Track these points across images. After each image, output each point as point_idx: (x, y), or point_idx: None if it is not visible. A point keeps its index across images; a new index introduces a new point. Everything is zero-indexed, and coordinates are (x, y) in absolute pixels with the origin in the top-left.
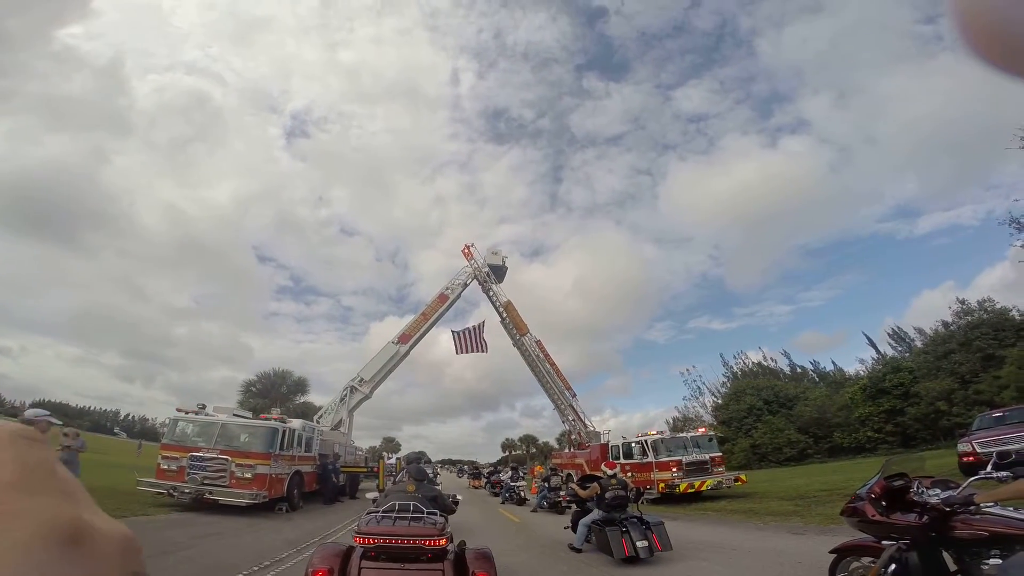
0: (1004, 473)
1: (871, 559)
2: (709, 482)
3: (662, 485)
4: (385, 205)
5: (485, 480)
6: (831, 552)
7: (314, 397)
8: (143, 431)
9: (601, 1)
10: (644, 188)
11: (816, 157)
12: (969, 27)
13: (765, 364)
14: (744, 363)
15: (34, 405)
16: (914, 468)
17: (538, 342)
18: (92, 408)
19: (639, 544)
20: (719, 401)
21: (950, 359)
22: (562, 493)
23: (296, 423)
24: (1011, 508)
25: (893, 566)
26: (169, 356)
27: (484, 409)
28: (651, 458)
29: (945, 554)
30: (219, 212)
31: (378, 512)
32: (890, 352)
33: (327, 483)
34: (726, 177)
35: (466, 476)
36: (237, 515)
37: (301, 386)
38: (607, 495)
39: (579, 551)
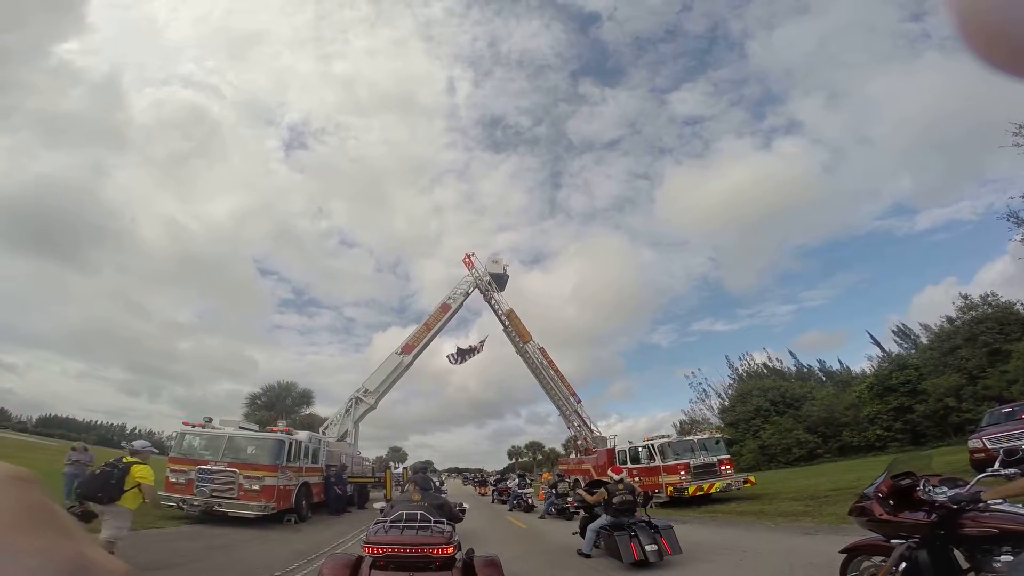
0: (1012, 470)
1: (882, 558)
2: (718, 484)
3: (670, 489)
4: (384, 216)
5: (492, 488)
6: (841, 552)
7: (319, 409)
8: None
9: (594, 7)
10: (642, 192)
11: (810, 157)
12: (968, 26)
13: (770, 365)
14: (749, 364)
15: (41, 420)
16: (921, 466)
17: (541, 349)
18: (98, 422)
19: (648, 548)
20: (726, 403)
21: (956, 355)
22: (569, 499)
23: (302, 435)
24: (1020, 505)
25: (904, 565)
26: (174, 370)
27: (489, 417)
28: (659, 462)
29: (956, 552)
30: (219, 226)
31: (386, 522)
32: (896, 349)
33: (334, 494)
34: (723, 179)
35: (470, 484)
36: (246, 527)
37: (306, 398)
38: (614, 500)
39: (588, 556)
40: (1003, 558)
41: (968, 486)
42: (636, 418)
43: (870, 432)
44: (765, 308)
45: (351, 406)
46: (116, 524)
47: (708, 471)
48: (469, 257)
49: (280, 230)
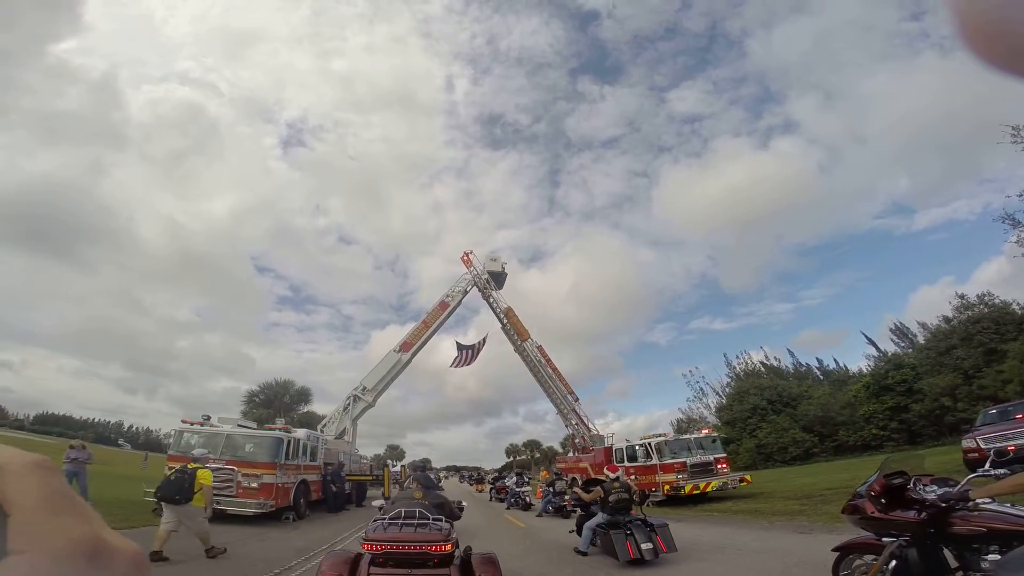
0: (1001, 470)
1: (873, 556)
2: (714, 483)
3: (667, 487)
4: (383, 213)
5: (490, 486)
6: (834, 550)
7: (317, 406)
8: (147, 442)
9: (593, 5)
10: (641, 190)
11: (807, 157)
12: (967, 26)
13: (768, 363)
14: (747, 363)
15: (38, 418)
16: (913, 466)
17: (540, 347)
18: (96, 420)
19: (644, 546)
20: (723, 401)
21: (952, 355)
22: (567, 497)
23: (301, 433)
24: (1008, 504)
25: (894, 562)
26: (171, 368)
27: (487, 415)
28: (655, 460)
29: (946, 551)
30: (217, 224)
31: (385, 519)
32: (893, 348)
33: (332, 491)
34: (720, 178)
35: (467, 482)
36: (244, 524)
37: (304, 396)
38: (610, 498)
39: (584, 554)
40: (991, 557)
41: (958, 486)
42: (634, 416)
43: (866, 431)
44: (763, 307)
45: (349, 404)
46: (191, 517)
47: (704, 470)
48: (468, 255)
49: (278, 228)
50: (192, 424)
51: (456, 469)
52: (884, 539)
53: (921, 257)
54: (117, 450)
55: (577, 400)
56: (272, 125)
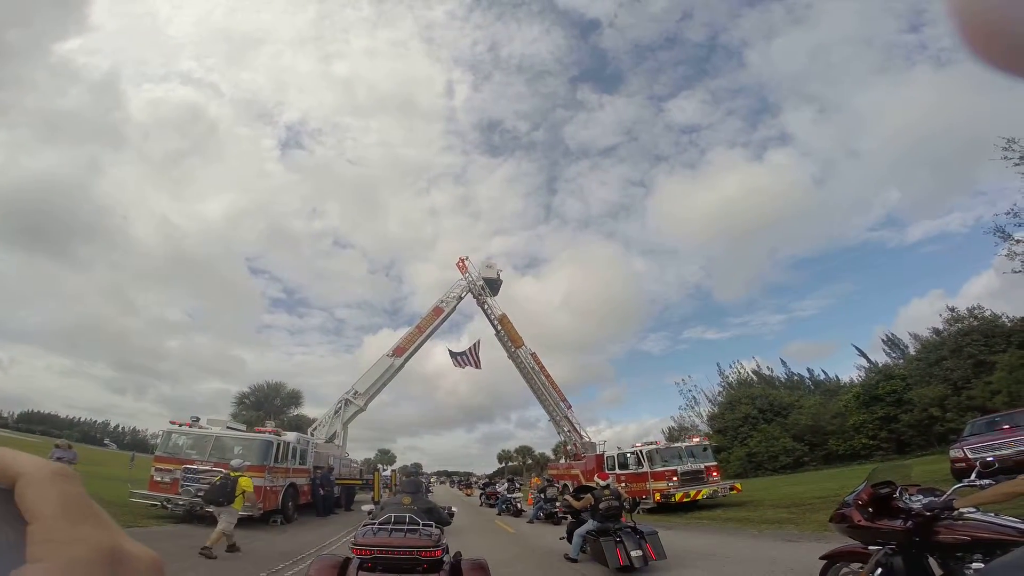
0: (987, 481)
1: (860, 565)
2: (705, 491)
3: (658, 495)
4: (379, 217)
5: (480, 491)
6: (821, 558)
7: (308, 410)
8: (134, 442)
9: (595, 14)
10: (637, 200)
11: (800, 169)
12: (968, 26)
13: (760, 373)
14: (739, 372)
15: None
16: (901, 476)
17: (533, 354)
18: (81, 419)
19: (633, 554)
20: (715, 410)
21: (942, 366)
22: (558, 504)
23: (290, 436)
24: (993, 513)
25: (880, 570)
26: (161, 368)
27: (479, 421)
28: (646, 468)
29: (931, 559)
30: (211, 225)
31: (375, 524)
32: (884, 359)
33: (321, 495)
34: (716, 189)
35: (456, 487)
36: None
37: (295, 398)
38: (601, 506)
39: (575, 561)
40: (975, 565)
41: (944, 496)
42: (625, 424)
43: (856, 441)
44: (756, 317)
45: (340, 407)
46: (228, 519)
47: (695, 478)
48: (463, 261)
49: (273, 230)
50: (180, 425)
51: (447, 474)
52: (870, 548)
53: (913, 270)
54: (103, 450)
55: (570, 407)
56: (271, 127)
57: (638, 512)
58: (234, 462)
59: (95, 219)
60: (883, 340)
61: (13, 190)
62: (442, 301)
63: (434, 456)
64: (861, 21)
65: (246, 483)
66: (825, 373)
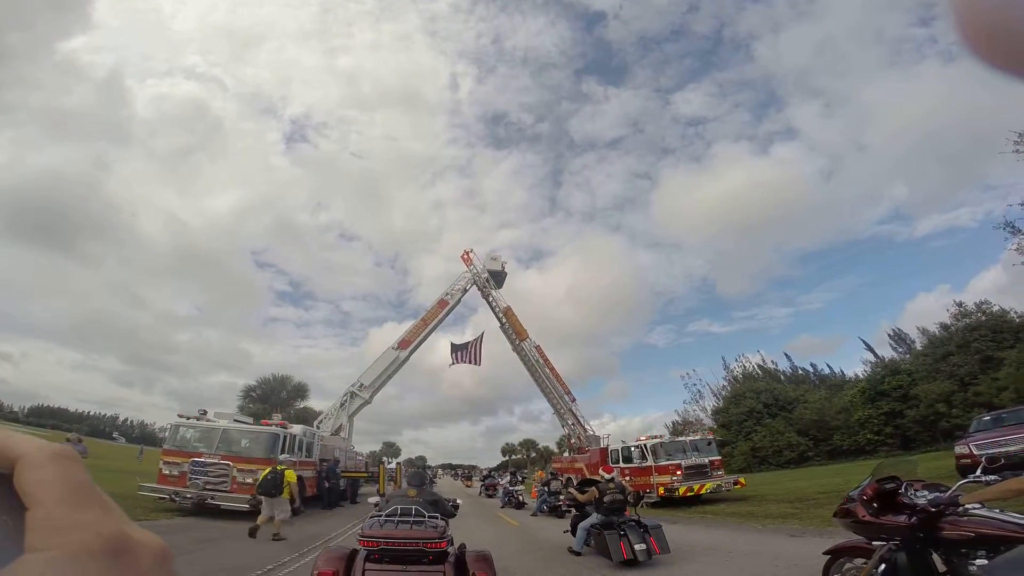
0: (992, 476)
1: (864, 560)
2: (708, 485)
3: (662, 489)
4: (384, 210)
5: (480, 483)
6: (825, 553)
7: (314, 402)
8: (142, 436)
9: (600, 5)
10: (643, 192)
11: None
12: (969, 27)
13: (765, 367)
14: (744, 366)
15: (33, 410)
16: (905, 471)
17: (538, 347)
18: (90, 413)
19: (637, 547)
20: (719, 404)
21: (948, 361)
22: (562, 497)
23: (297, 429)
24: (997, 510)
25: (884, 566)
26: (169, 362)
27: (483, 414)
28: (650, 462)
29: (935, 555)
30: (218, 219)
31: (381, 516)
32: (890, 354)
33: (327, 488)
34: (722, 182)
35: (459, 479)
36: (238, 520)
37: (301, 391)
38: (605, 499)
39: (579, 554)
40: (979, 562)
41: (949, 491)
42: (630, 418)
43: (860, 436)
44: (762, 311)
45: (346, 400)
46: (283, 508)
47: (699, 472)
48: (468, 253)
49: (279, 223)
50: (188, 419)
51: (452, 467)
52: (874, 543)
53: (920, 264)
54: (111, 443)
55: (574, 400)
56: (276, 121)
57: (642, 506)
58: (282, 457)
59: (104, 215)
60: (889, 335)
61: (23, 188)
62: (447, 294)
63: (439, 449)
64: (870, 14)
65: (291, 476)
66: (831, 367)
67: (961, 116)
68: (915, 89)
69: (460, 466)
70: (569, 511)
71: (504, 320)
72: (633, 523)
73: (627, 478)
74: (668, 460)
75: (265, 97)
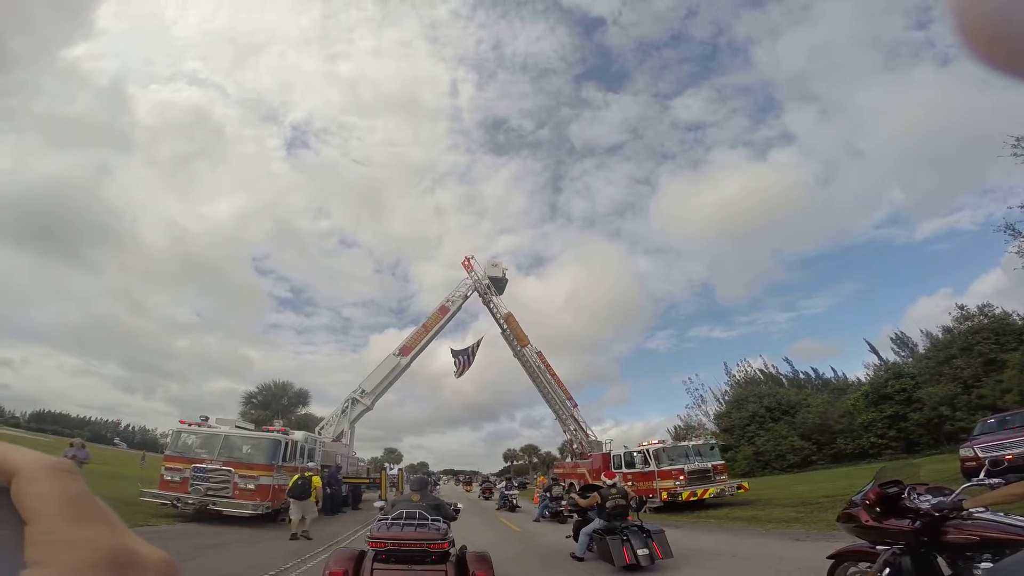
0: (996, 480)
1: (868, 564)
2: (712, 490)
3: (665, 494)
4: (385, 217)
5: (479, 487)
6: (829, 557)
7: (315, 408)
8: (143, 441)
9: (599, 11)
10: (643, 198)
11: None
12: (968, 28)
13: (767, 371)
14: (746, 371)
15: (34, 416)
16: (908, 475)
17: (539, 353)
18: (92, 418)
19: (640, 552)
20: (722, 409)
21: (952, 364)
22: (563, 503)
23: (298, 435)
24: (1002, 513)
25: (888, 570)
26: (170, 368)
27: (484, 420)
28: (653, 467)
29: (939, 559)
30: (219, 225)
31: (387, 519)
32: (893, 357)
33: (328, 494)
34: (721, 188)
35: (460, 484)
36: (240, 526)
37: (302, 398)
38: (607, 504)
39: (581, 560)
40: (983, 566)
41: (953, 495)
42: (632, 423)
43: (864, 440)
44: (764, 315)
45: (347, 407)
46: (310, 510)
47: (702, 477)
48: (468, 260)
49: (280, 230)
50: (190, 425)
51: (453, 473)
52: (878, 547)
53: (920, 268)
54: (113, 449)
55: (576, 406)
56: (277, 127)
57: (645, 511)
58: (310, 464)
59: (105, 221)
60: (892, 338)
61: (25, 193)
62: (448, 300)
63: (440, 455)
64: (866, 18)
65: (317, 481)
66: (835, 370)
67: (959, 119)
68: (912, 93)
69: (461, 472)
70: (571, 516)
71: (505, 326)
72: (636, 528)
73: (630, 483)
74: (671, 465)
75: (266, 103)
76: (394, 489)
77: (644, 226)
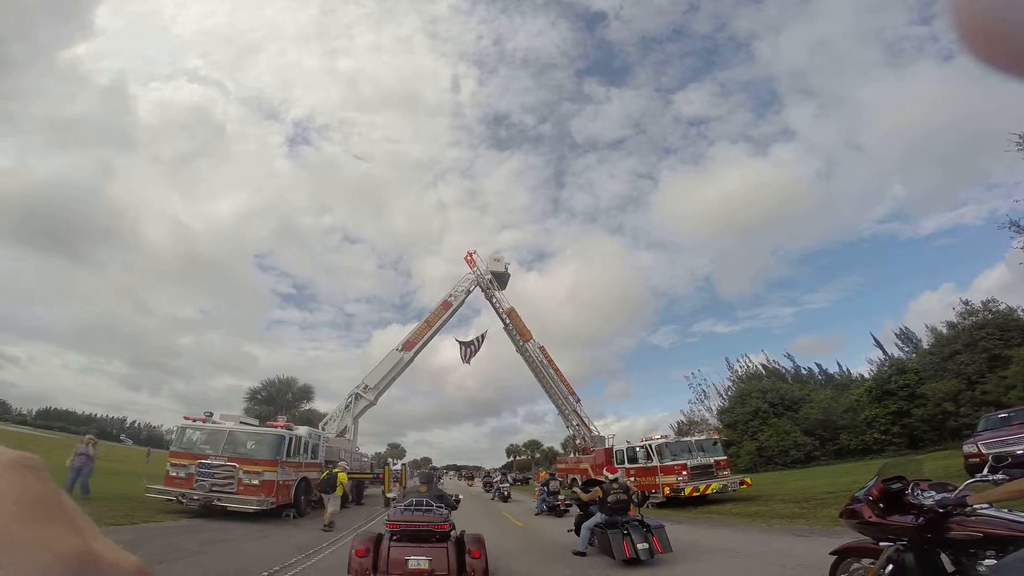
0: (1000, 476)
1: (871, 560)
2: (714, 485)
3: (667, 489)
4: (387, 212)
5: (481, 481)
6: (831, 553)
7: (319, 404)
8: (149, 438)
9: (600, 6)
10: (645, 193)
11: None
12: (967, 27)
13: (770, 367)
14: (748, 366)
15: (41, 413)
16: (912, 471)
17: (541, 348)
18: (98, 415)
19: (640, 546)
20: (724, 404)
21: (956, 360)
22: (560, 497)
23: (302, 430)
24: (1006, 510)
25: (891, 567)
26: (175, 365)
27: (487, 415)
28: (656, 462)
29: (943, 555)
30: (222, 222)
31: (401, 506)
32: (897, 353)
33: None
34: (725, 183)
35: (463, 479)
36: (245, 521)
37: (306, 393)
38: (609, 499)
39: (583, 554)
40: (987, 562)
41: (956, 491)
42: (634, 418)
43: (867, 435)
44: (766, 311)
45: (351, 402)
46: (334, 503)
47: (705, 472)
48: (471, 255)
49: (283, 227)
50: (194, 421)
51: (456, 468)
52: (881, 543)
53: (924, 263)
54: (119, 446)
55: (578, 401)
56: (279, 124)
57: (647, 506)
58: (340, 463)
59: (108, 221)
60: (896, 334)
61: (29, 194)
62: (450, 295)
63: (443, 450)
64: (868, 13)
65: (343, 477)
66: (840, 365)
67: (962, 114)
68: (914, 88)
69: (464, 467)
70: (567, 510)
71: (508, 321)
72: (636, 522)
73: (632, 479)
74: (673, 460)
75: (267, 100)
76: (397, 484)
77: (646, 221)
